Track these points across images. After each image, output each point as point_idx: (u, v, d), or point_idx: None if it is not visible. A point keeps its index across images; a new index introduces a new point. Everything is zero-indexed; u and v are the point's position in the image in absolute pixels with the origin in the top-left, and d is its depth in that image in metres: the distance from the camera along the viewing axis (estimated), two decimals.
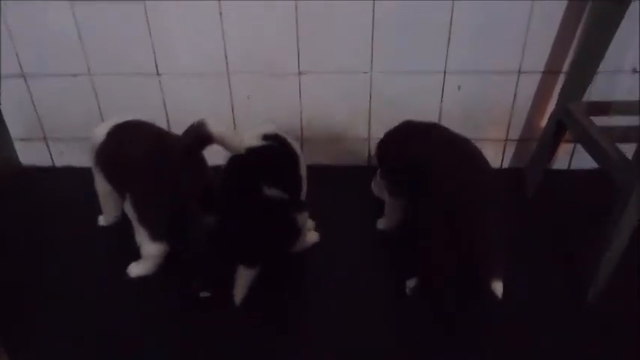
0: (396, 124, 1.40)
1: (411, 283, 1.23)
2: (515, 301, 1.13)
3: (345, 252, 1.37)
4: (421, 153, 1.23)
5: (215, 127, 1.14)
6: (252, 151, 1.23)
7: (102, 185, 1.34)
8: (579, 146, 1.63)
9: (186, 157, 1.17)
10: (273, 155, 1.26)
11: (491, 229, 1.09)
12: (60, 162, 1.79)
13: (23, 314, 1.20)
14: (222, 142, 1.15)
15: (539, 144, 1.55)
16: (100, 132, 1.29)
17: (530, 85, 1.56)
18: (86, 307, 1.22)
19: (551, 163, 1.62)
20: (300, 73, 1.58)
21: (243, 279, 1.19)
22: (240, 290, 1.19)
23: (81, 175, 1.66)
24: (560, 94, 1.44)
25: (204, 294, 1.22)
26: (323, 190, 1.39)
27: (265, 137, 1.28)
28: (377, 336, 1.15)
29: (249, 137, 1.29)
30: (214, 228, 1.20)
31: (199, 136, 1.14)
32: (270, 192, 1.17)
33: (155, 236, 1.22)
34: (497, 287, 1.06)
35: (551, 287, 1.25)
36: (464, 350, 1.12)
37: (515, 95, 1.58)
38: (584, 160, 1.36)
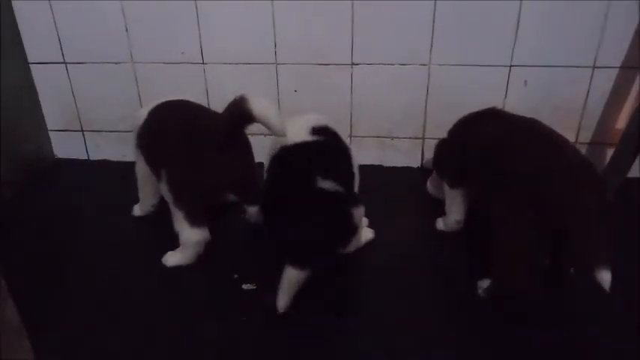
0: (453, 122, 1.30)
1: (483, 284, 1.10)
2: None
3: (401, 252, 1.26)
4: (498, 135, 1.14)
5: (257, 104, 1.05)
6: (303, 144, 1.14)
7: (142, 169, 1.27)
8: None
9: (225, 135, 1.09)
10: (327, 146, 1.17)
11: (591, 205, 0.93)
12: (95, 155, 1.73)
13: (54, 306, 1.12)
14: (264, 121, 1.06)
15: (618, 148, 1.39)
16: (142, 113, 1.26)
17: (605, 82, 1.44)
18: (119, 299, 1.14)
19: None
20: (352, 64, 1.49)
21: (291, 282, 1.05)
22: (285, 294, 1.05)
23: (116, 170, 1.62)
24: None
25: (247, 286, 1.13)
26: (373, 192, 1.30)
27: (315, 130, 1.18)
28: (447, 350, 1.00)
29: (295, 127, 1.19)
30: (262, 221, 1.09)
31: (240, 112, 1.06)
32: (325, 184, 1.06)
33: (194, 220, 1.13)
34: (605, 277, 0.90)
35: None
36: None
37: (588, 92, 1.45)
38: None
